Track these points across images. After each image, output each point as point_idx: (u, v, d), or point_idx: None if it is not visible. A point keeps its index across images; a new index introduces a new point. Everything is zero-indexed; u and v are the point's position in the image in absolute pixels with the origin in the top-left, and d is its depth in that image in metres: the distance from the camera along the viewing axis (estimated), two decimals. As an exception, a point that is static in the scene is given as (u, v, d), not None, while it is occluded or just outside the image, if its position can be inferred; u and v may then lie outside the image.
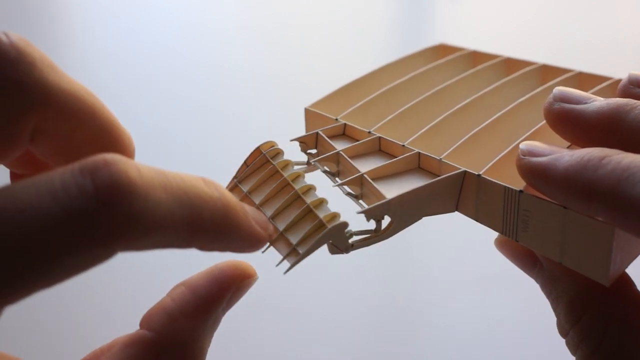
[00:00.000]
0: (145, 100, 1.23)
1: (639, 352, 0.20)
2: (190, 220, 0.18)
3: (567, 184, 0.19)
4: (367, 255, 0.82)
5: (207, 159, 1.00)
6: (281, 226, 0.24)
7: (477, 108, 0.29)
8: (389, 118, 0.29)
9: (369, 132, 0.29)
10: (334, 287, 0.74)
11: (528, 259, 0.24)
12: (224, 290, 0.22)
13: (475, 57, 0.37)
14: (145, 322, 0.21)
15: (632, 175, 0.18)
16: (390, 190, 0.24)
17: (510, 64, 0.34)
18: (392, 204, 0.23)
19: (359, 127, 0.29)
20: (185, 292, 0.21)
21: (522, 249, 0.24)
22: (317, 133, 0.29)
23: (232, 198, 0.20)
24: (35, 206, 0.15)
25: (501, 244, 0.25)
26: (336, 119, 0.31)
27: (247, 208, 0.21)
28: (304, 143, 0.30)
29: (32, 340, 0.64)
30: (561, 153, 0.20)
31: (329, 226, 0.22)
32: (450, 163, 0.25)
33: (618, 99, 0.21)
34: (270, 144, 0.27)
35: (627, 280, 0.22)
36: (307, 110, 0.33)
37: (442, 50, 0.39)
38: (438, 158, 0.26)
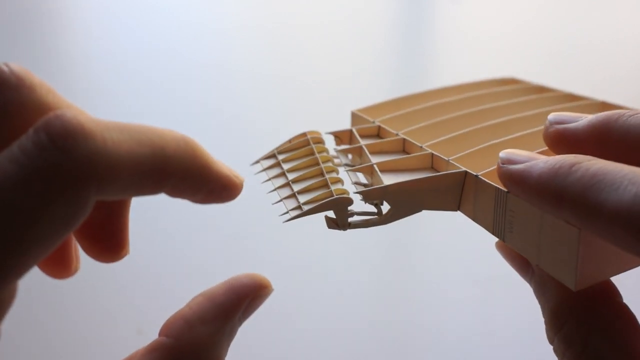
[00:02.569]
0: (144, 100, 1.23)
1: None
2: (155, 159, 0.19)
3: (540, 190, 0.20)
4: (367, 254, 0.82)
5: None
6: (297, 188, 0.26)
7: (510, 127, 0.30)
8: (420, 125, 0.31)
9: (397, 135, 0.30)
10: (333, 289, 0.74)
11: (524, 262, 0.25)
12: (241, 299, 0.22)
13: (539, 90, 0.38)
14: (164, 330, 0.22)
15: (599, 182, 0.18)
16: (394, 180, 0.25)
17: (570, 99, 0.35)
18: (389, 189, 0.25)
19: (390, 130, 0.31)
20: (203, 301, 0.22)
21: (517, 253, 0.25)
22: (352, 130, 0.31)
23: (196, 141, 0.21)
24: (0, 177, 0.16)
25: (500, 246, 0.26)
26: (373, 122, 0.33)
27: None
28: (339, 138, 0.32)
29: (32, 340, 0.64)
30: (536, 160, 0.21)
31: (336, 196, 0.25)
32: (456, 164, 0.26)
33: (608, 112, 0.22)
34: (315, 132, 0.30)
35: (611, 290, 0.22)
36: (352, 113, 0.35)
37: (509, 82, 0.40)
38: (446, 159, 0.27)
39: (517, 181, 0.21)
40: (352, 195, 0.25)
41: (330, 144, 0.31)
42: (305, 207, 0.25)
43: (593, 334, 0.21)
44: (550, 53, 1.51)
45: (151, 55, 1.48)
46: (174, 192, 0.21)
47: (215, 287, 0.23)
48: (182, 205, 0.86)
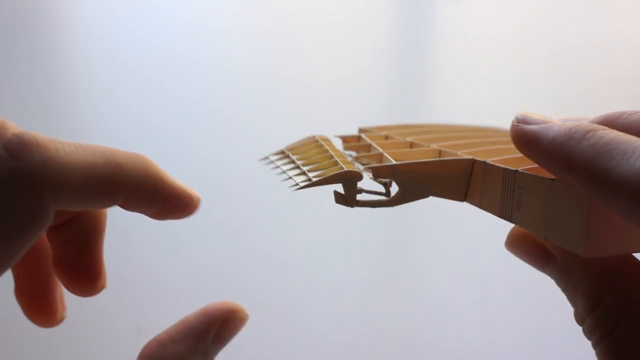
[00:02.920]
0: (144, 100, 1.23)
1: None
2: (107, 167, 0.20)
3: (552, 152, 0.21)
4: (366, 254, 0.82)
5: (206, 159, 1.00)
6: (307, 168, 0.27)
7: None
8: (426, 136, 0.32)
9: (404, 139, 0.31)
10: (333, 288, 0.74)
11: (541, 255, 0.25)
12: (212, 321, 0.24)
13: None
14: (141, 353, 0.23)
15: (611, 150, 0.19)
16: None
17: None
18: (398, 169, 0.25)
19: (397, 137, 0.32)
20: (177, 324, 0.23)
21: (533, 247, 0.25)
22: (359, 135, 0.32)
23: (149, 158, 0.22)
24: None
25: (512, 244, 0.26)
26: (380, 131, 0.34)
27: None
28: (346, 141, 0.32)
29: (32, 340, 0.64)
30: (552, 123, 0.22)
31: (345, 169, 0.25)
32: (464, 156, 0.27)
33: (573, 125, 0.21)
34: (323, 136, 0.31)
35: (638, 264, 0.23)
36: (359, 129, 0.36)
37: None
38: (454, 151, 0.27)
39: (531, 141, 0.22)
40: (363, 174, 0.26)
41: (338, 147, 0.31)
42: (315, 178, 0.25)
43: (627, 309, 0.21)
44: (550, 53, 1.51)
45: (151, 55, 1.48)
46: (129, 203, 0.22)
47: (191, 314, 0.24)
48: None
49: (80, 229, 0.25)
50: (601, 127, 0.20)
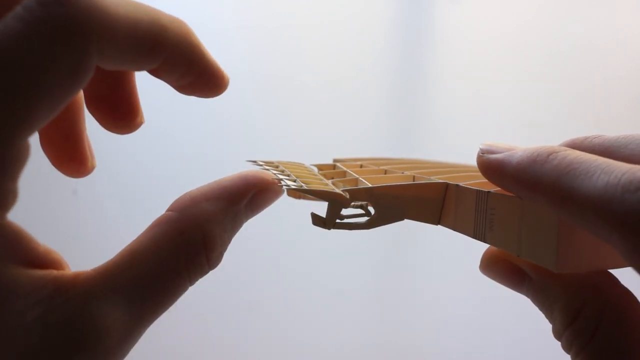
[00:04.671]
0: (144, 100, 1.23)
1: (629, 342, 0.22)
2: (151, 25, 0.20)
3: (517, 177, 0.22)
4: (366, 253, 0.82)
5: (206, 159, 1.00)
6: (296, 177, 0.27)
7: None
8: (401, 166, 0.33)
9: (379, 167, 0.32)
10: (333, 288, 0.74)
11: (515, 276, 0.26)
12: (247, 185, 0.23)
13: None
14: (171, 206, 0.23)
15: (574, 170, 0.19)
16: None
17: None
18: (374, 191, 0.26)
19: (374, 166, 0.33)
20: (211, 184, 0.24)
21: (507, 268, 0.26)
22: (335, 164, 0.33)
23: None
24: (7, 32, 0.17)
25: (486, 267, 0.27)
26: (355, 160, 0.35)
27: None
28: (322, 169, 0.33)
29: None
30: (515, 150, 0.23)
31: (337, 191, 0.25)
32: (438, 180, 0.28)
33: (535, 149, 0.22)
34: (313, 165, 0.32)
35: (614, 280, 0.23)
36: (334, 160, 0.37)
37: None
38: (428, 177, 0.28)
39: (496, 169, 0.23)
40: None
41: None
42: (305, 186, 0.26)
43: (604, 321, 0.22)
44: (551, 53, 1.51)
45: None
46: (165, 68, 0.21)
47: (227, 176, 0.24)
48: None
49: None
50: (563, 148, 0.21)
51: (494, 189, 0.24)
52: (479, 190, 0.25)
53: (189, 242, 0.22)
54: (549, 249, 0.21)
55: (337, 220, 0.26)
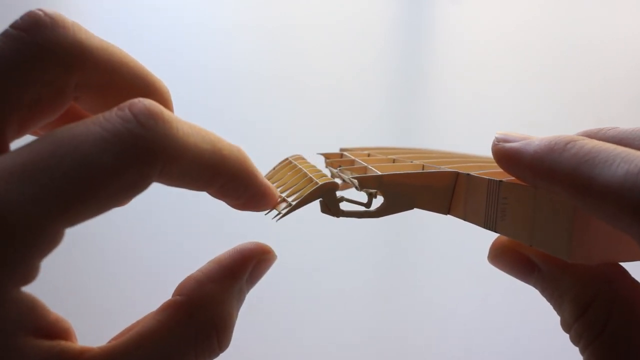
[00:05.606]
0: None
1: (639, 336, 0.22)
2: (213, 155, 0.21)
3: (534, 166, 0.21)
4: (366, 255, 0.82)
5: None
6: (285, 194, 0.27)
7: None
8: (409, 155, 0.32)
9: (387, 157, 0.32)
10: (333, 288, 0.74)
11: (524, 267, 0.25)
12: (246, 260, 0.24)
13: None
14: (177, 291, 0.23)
15: (593, 158, 0.19)
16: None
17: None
18: (384, 179, 0.26)
19: (381, 155, 0.32)
20: (211, 264, 0.24)
21: (516, 259, 0.26)
22: (342, 152, 0.33)
23: (246, 153, 0.23)
24: (85, 132, 0.18)
25: (495, 257, 0.27)
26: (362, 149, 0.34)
27: None
28: (329, 158, 0.33)
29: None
30: (532, 139, 0.22)
31: (320, 183, 0.26)
32: (448, 169, 0.27)
33: (553, 137, 0.22)
34: (298, 155, 0.31)
35: (623, 271, 0.23)
36: (341, 149, 0.36)
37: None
38: (437, 167, 0.28)
39: (513, 157, 0.22)
40: (341, 184, 0.26)
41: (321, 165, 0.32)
42: (294, 201, 0.26)
43: (614, 314, 0.22)
44: (550, 53, 1.51)
45: (151, 55, 1.48)
46: (221, 191, 0.23)
47: (223, 253, 0.25)
48: (184, 208, 0.86)
49: None
50: (581, 137, 0.21)
51: (506, 178, 0.24)
52: (491, 179, 0.24)
53: (198, 325, 0.22)
54: (563, 238, 0.21)
55: (344, 209, 0.26)
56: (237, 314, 0.24)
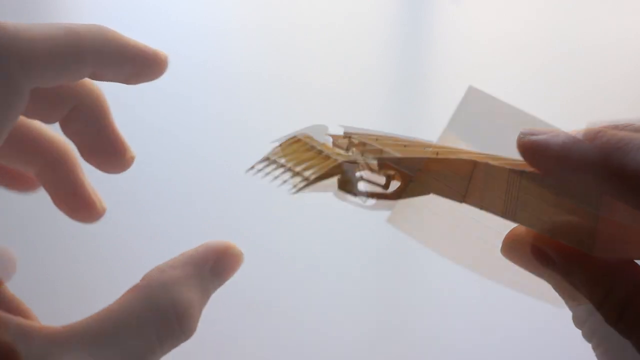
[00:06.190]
0: (145, 99, 1.23)
1: None
2: (68, 37, 0.21)
3: (564, 156, 0.21)
4: (366, 254, 0.82)
5: (206, 160, 1.00)
6: (300, 168, 0.26)
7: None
8: (416, 145, 0.32)
9: (396, 143, 0.31)
10: (332, 287, 0.74)
11: (539, 260, 0.25)
12: (209, 252, 0.25)
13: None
14: (141, 279, 0.24)
15: (625, 146, 0.19)
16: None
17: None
18: (403, 162, 0.25)
19: (391, 141, 0.32)
20: (177, 255, 0.25)
21: (531, 252, 0.25)
22: (351, 134, 0.31)
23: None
24: None
25: (508, 250, 0.26)
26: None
27: None
28: (337, 139, 0.31)
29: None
30: (558, 131, 0.23)
31: (340, 160, 0.25)
32: (465, 158, 0.27)
33: (581, 129, 0.22)
34: (305, 134, 0.30)
35: (638, 267, 0.23)
36: (345, 132, 0.35)
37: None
38: (454, 157, 0.28)
39: (541, 149, 0.22)
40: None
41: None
42: (313, 176, 0.25)
43: (628, 310, 0.22)
44: (551, 53, 1.51)
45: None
46: (100, 71, 0.23)
47: (192, 248, 0.25)
48: (183, 206, 0.86)
49: (87, 115, 0.26)
50: (609, 128, 0.21)
51: (527, 169, 0.24)
52: (512, 169, 0.24)
53: (157, 305, 0.23)
54: (587, 231, 0.21)
55: (361, 189, 0.25)
56: (201, 302, 0.24)
